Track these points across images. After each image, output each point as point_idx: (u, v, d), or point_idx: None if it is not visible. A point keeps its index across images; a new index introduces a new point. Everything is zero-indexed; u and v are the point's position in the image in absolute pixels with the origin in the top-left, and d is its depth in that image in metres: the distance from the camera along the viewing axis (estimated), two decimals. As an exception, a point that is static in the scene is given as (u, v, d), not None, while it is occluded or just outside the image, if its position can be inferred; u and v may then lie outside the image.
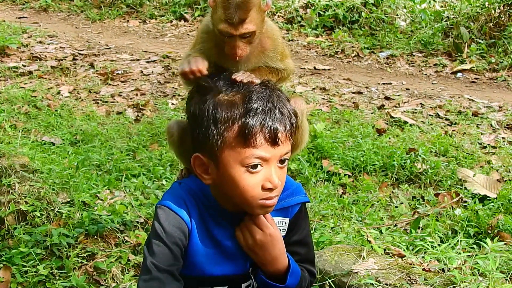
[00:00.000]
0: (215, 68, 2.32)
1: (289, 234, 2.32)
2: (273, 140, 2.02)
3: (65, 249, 3.46)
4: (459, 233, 3.83)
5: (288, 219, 2.31)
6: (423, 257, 3.31)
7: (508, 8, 8.27)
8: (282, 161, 2.09)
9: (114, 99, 6.62)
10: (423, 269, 3.08)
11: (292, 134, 2.11)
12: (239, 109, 2.03)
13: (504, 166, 4.83)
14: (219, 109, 2.04)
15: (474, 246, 3.68)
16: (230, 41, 2.31)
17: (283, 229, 2.30)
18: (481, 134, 5.52)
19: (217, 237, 2.20)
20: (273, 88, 2.15)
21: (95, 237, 3.61)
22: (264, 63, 2.46)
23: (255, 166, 2.02)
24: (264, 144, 2.01)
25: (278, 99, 2.09)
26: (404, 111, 6.11)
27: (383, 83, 7.27)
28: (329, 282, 2.98)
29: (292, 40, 9.14)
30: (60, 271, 3.35)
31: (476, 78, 7.42)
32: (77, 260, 3.41)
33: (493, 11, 8.37)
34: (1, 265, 3.37)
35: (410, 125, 5.68)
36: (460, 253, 3.37)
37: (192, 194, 2.19)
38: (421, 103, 6.40)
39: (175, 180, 2.52)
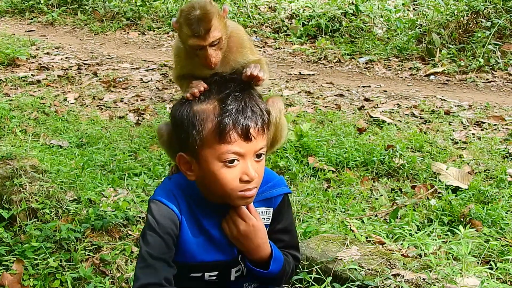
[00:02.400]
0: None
1: (274, 223, 2.35)
2: (246, 136, 2.05)
3: (73, 243, 3.45)
4: (434, 221, 3.84)
5: (272, 209, 2.33)
6: (401, 244, 3.32)
7: (475, 15, 8.29)
8: (258, 156, 2.11)
9: (117, 105, 6.60)
10: (402, 255, 3.08)
11: (265, 130, 2.13)
12: (215, 110, 2.07)
13: (474, 159, 4.84)
14: (197, 112, 2.08)
15: (448, 233, 3.68)
16: (201, 52, 2.32)
17: (267, 218, 2.33)
18: (453, 130, 5.53)
19: (205, 227, 2.22)
20: (247, 90, 2.18)
21: (101, 231, 3.60)
22: (237, 61, 2.46)
23: (232, 161, 2.05)
24: (238, 140, 2.04)
25: (250, 100, 2.12)
26: (382, 111, 6.12)
27: (363, 86, 7.27)
28: (316, 269, 2.98)
29: (278, 48, 9.13)
30: (68, 263, 3.34)
31: (447, 80, 7.43)
32: (84, 253, 3.40)
33: (461, 19, 8.39)
34: (14, 258, 3.36)
35: (388, 124, 5.69)
36: (435, 239, 3.37)
37: (181, 188, 2.22)
38: (397, 104, 6.41)
39: (167, 175, 2.54)
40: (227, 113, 2.05)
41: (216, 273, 2.28)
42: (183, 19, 2.35)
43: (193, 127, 2.07)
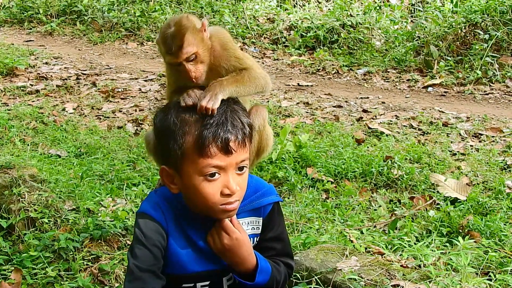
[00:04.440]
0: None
1: (264, 232, 2.33)
2: (225, 149, 2.03)
3: (72, 253, 3.44)
4: (433, 232, 3.83)
5: (261, 218, 2.32)
6: (401, 255, 3.31)
7: (473, 28, 8.33)
8: (240, 168, 2.11)
9: (115, 115, 6.61)
10: (401, 266, 3.08)
11: (246, 143, 2.11)
12: (196, 123, 2.06)
13: (472, 171, 4.85)
14: (178, 123, 2.08)
15: (447, 244, 3.68)
16: (181, 68, 2.34)
17: (257, 227, 2.31)
18: (451, 142, 5.54)
19: (192, 238, 2.22)
20: (229, 104, 2.18)
21: (99, 241, 3.59)
22: (222, 66, 2.47)
23: (212, 175, 2.05)
24: (218, 154, 2.03)
25: (232, 113, 2.12)
26: (380, 123, 6.13)
27: (361, 97, 7.30)
28: (315, 279, 2.98)
29: (277, 59, 9.17)
30: (67, 273, 3.33)
31: (445, 92, 7.46)
32: (83, 263, 3.39)
33: (459, 31, 8.44)
34: (13, 268, 3.35)
35: (386, 135, 5.70)
36: (434, 250, 3.37)
37: (167, 200, 2.22)
38: (396, 115, 6.43)
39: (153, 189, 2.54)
40: (208, 126, 2.04)
41: (207, 282, 2.27)
42: (160, 37, 2.39)
43: (174, 140, 2.06)
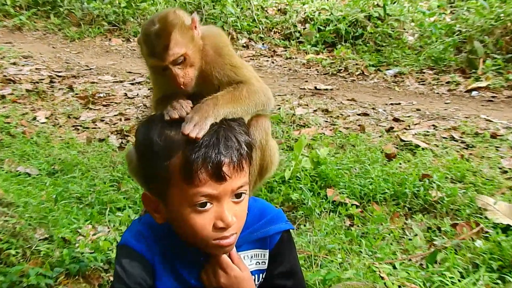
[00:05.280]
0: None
1: (272, 266, 2.31)
2: (217, 176, 1.99)
3: (44, 291, 3.43)
4: (481, 267, 3.79)
5: (268, 250, 2.30)
6: (442, 295, 3.29)
7: (525, 20, 8.34)
8: (238, 195, 2.07)
9: (96, 125, 6.62)
10: (443, 308, 3.05)
11: (243, 166, 2.07)
12: (183, 144, 2.02)
13: (527, 192, 4.82)
14: (161, 145, 2.04)
15: (499, 281, 3.64)
16: (167, 73, 2.32)
17: (262, 262, 2.30)
18: (501, 157, 5.51)
19: (183, 275, 2.21)
20: (223, 119, 2.15)
21: (77, 277, 3.58)
22: (215, 74, 2.45)
23: (203, 205, 2.01)
24: (209, 181, 1.99)
25: (225, 131, 2.08)
26: (415, 134, 6.12)
27: (391, 104, 7.29)
28: (339, 324, 2.95)
29: (290, 58, 9.19)
30: (38, 315, 3.32)
31: (493, 97, 7.45)
32: (57, 304, 3.39)
33: (509, 23, 8.42)
34: (-27, 310, 3.34)
35: (423, 148, 5.68)
36: (483, 289, 3.35)
37: (153, 230, 2.20)
38: (433, 125, 6.41)
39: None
40: (196, 148, 2.00)
41: None
42: (142, 35, 2.37)
43: (157, 163, 2.03)
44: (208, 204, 2.01)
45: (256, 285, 2.26)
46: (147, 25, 2.38)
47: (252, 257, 2.26)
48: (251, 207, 2.23)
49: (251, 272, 2.24)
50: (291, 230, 2.37)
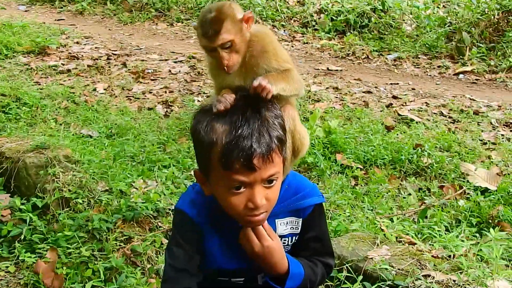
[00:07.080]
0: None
1: (304, 232, 2.30)
2: (248, 166, 1.95)
3: (105, 233, 3.51)
4: (463, 222, 3.83)
5: (301, 219, 2.28)
6: (431, 245, 3.32)
7: (506, 14, 8.21)
8: (269, 181, 2.03)
9: (145, 96, 6.65)
10: (432, 256, 3.09)
11: (272, 158, 2.00)
12: (224, 135, 1.98)
13: (503, 161, 4.82)
14: (207, 134, 2.01)
15: (477, 235, 3.68)
16: (215, 55, 2.34)
17: (296, 227, 2.29)
18: (482, 131, 5.50)
19: (227, 237, 2.21)
20: (262, 111, 2.06)
21: (132, 222, 3.65)
22: (260, 66, 2.45)
23: (238, 188, 1.99)
24: (242, 169, 1.95)
25: (260, 125, 2.00)
26: (410, 109, 6.10)
27: (391, 83, 7.25)
28: (346, 267, 3.00)
29: (306, 43, 9.12)
30: (100, 253, 3.40)
31: (476, 79, 7.38)
32: (116, 243, 3.46)
33: (492, 17, 8.31)
34: (48, 247, 3.43)
35: (416, 122, 5.68)
36: (464, 241, 3.38)
37: (203, 197, 2.18)
38: (426, 102, 6.39)
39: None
40: (233, 141, 1.95)
41: (242, 278, 2.28)
42: (199, 20, 2.40)
43: (202, 148, 2.03)
44: (242, 187, 1.99)
45: (289, 244, 2.29)
46: (205, 11, 2.39)
47: (287, 223, 2.25)
48: (290, 182, 2.25)
49: (286, 235, 2.26)
50: (323, 203, 2.37)
